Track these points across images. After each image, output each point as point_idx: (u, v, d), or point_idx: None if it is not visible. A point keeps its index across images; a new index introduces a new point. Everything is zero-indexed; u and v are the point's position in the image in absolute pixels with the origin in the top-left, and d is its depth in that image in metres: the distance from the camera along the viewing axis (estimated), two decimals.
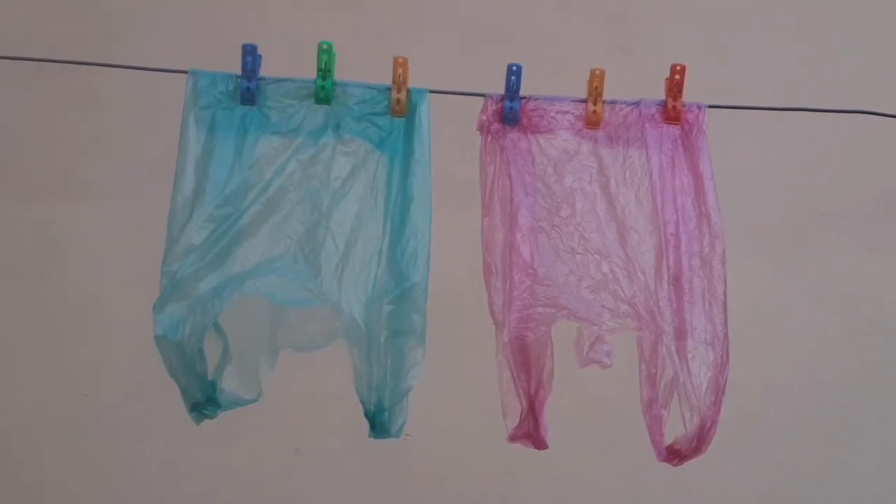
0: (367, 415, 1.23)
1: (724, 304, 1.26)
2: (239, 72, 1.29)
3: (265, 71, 1.30)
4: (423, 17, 1.48)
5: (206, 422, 1.23)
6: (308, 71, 1.30)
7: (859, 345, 2.14)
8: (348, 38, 1.38)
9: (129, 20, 1.66)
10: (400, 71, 1.30)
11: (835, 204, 2.04)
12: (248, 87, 1.29)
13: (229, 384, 1.27)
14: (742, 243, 1.90)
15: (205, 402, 1.25)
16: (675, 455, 1.26)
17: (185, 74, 1.28)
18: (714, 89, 1.34)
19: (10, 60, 1.30)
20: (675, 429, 1.26)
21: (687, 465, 1.25)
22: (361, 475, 1.74)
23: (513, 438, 1.28)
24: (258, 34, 1.32)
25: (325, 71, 1.30)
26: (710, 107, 1.30)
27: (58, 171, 1.77)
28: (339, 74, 1.30)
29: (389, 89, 1.30)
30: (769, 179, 1.92)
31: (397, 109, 1.30)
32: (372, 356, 1.21)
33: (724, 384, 1.25)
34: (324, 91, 1.30)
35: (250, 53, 1.30)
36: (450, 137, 1.37)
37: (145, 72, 1.27)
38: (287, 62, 1.33)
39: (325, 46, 1.30)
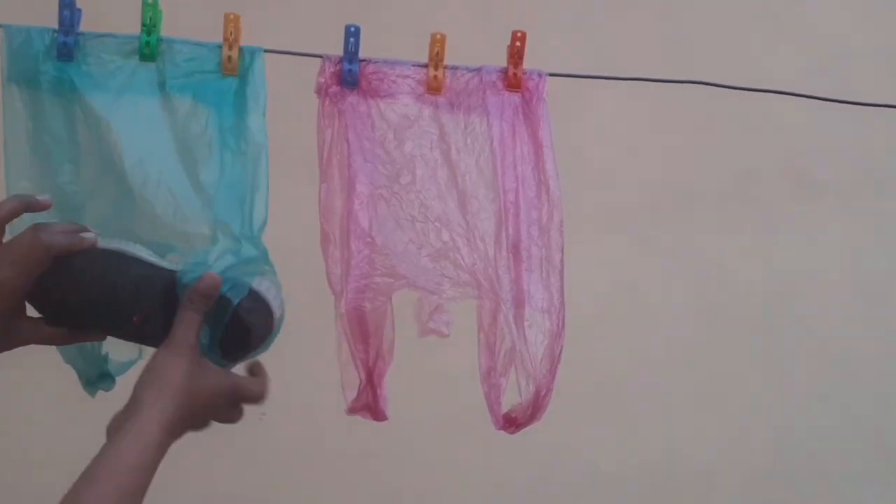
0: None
1: (562, 272, 1.27)
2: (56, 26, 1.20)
3: (85, 26, 1.22)
4: None
5: None
6: (131, 27, 1.22)
7: (712, 319, 2.21)
8: None
9: None
10: (231, 28, 1.24)
11: (691, 182, 2.09)
12: (66, 41, 1.21)
13: (113, 352, 1.22)
14: (601, 221, 1.92)
15: (99, 377, 1.22)
16: (511, 423, 1.27)
17: None
18: (569, 58, 1.33)
19: None
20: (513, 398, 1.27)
21: (538, 434, 1.26)
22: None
23: (351, 410, 1.26)
24: None
25: (149, 26, 1.23)
26: (551, 75, 1.29)
27: None
28: (168, 32, 1.23)
29: (220, 47, 1.24)
30: (628, 156, 1.95)
31: (228, 67, 1.24)
32: None
33: (559, 352, 1.26)
34: (148, 47, 1.22)
35: (68, 6, 1.21)
36: (288, 100, 1.32)
37: None
38: (110, 19, 1.24)
39: (149, 0, 1.22)
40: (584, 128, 1.93)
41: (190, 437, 1.10)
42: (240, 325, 1.12)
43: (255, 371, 1.16)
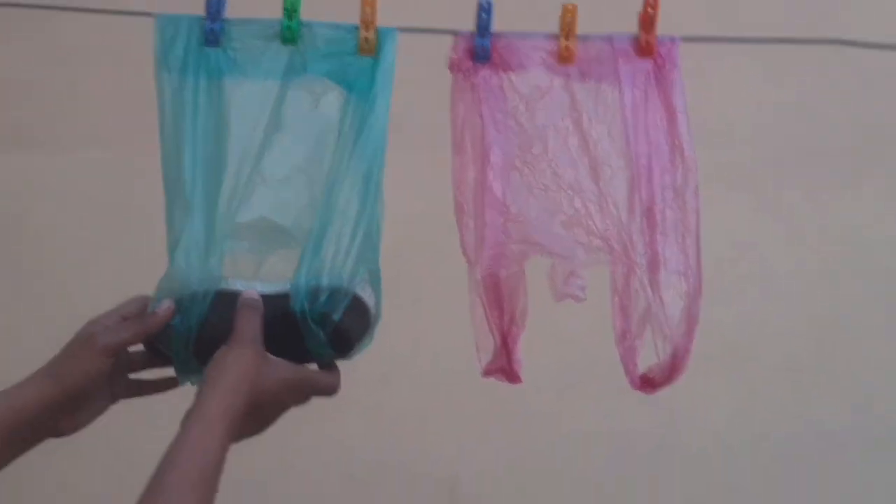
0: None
1: (697, 235, 1.28)
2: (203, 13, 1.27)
3: (231, 12, 1.28)
4: None
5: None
6: (275, 11, 1.28)
7: (838, 282, 2.17)
8: None
9: None
10: (368, 9, 1.28)
11: (817, 141, 2.05)
12: (213, 28, 1.27)
13: None
14: (723, 180, 1.91)
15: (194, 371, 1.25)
16: (648, 383, 1.29)
17: (151, 18, 1.26)
18: (699, 22, 1.33)
19: None
20: (650, 360, 1.29)
21: (663, 397, 1.28)
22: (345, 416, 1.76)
23: (487, 373, 1.31)
24: None
25: (290, 10, 1.28)
26: (685, 39, 1.30)
27: (30, 123, 1.73)
28: (307, 14, 1.29)
29: (357, 28, 1.28)
30: (752, 115, 1.92)
31: (365, 48, 1.28)
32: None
33: (697, 314, 1.28)
34: (290, 31, 1.28)
35: None
36: (422, 77, 1.36)
37: (116, 19, 1.24)
38: (254, 3, 1.30)
39: None
40: (710, 88, 1.91)
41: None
42: (342, 332, 1.20)
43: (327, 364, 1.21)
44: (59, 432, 1.18)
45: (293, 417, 1.20)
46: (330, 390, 1.18)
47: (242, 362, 1.12)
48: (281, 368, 1.15)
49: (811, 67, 1.85)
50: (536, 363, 1.34)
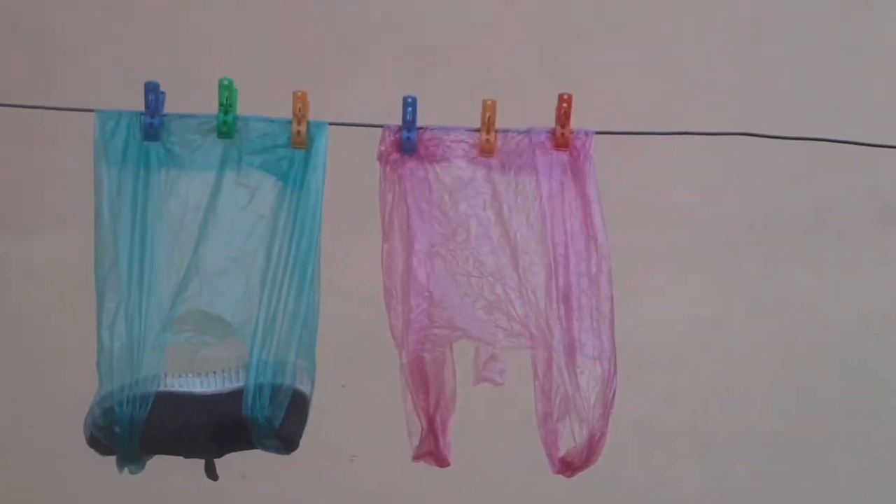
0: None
1: (611, 320, 1.33)
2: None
3: (169, 108, 1.35)
4: (326, 53, 1.53)
5: None
6: (211, 108, 1.35)
7: (794, 355, 2.18)
8: (250, 74, 1.43)
9: (74, 56, 1.68)
10: (300, 105, 1.35)
11: (766, 218, 2.08)
12: (151, 123, 1.34)
13: None
14: (680, 258, 1.95)
15: (133, 461, 1.31)
16: (567, 466, 1.33)
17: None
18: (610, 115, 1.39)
19: None
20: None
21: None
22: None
23: (416, 457, 1.35)
24: (160, 72, 1.37)
25: (226, 106, 1.35)
26: (598, 133, 1.36)
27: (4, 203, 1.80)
28: (242, 110, 1.35)
29: (290, 122, 1.35)
30: (703, 198, 1.97)
31: (297, 141, 1.35)
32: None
33: (612, 397, 1.31)
34: (226, 125, 1.35)
35: (153, 91, 1.35)
36: (355, 167, 1.42)
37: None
38: (191, 99, 1.37)
39: (225, 82, 1.35)
40: (660, 171, 1.97)
41: (283, 477, 1.20)
42: (285, 435, 1.29)
43: None
44: None
45: None
46: None
47: None
48: None
49: (742, 156, 1.90)
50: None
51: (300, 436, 1.29)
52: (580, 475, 1.35)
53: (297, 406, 1.29)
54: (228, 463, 1.31)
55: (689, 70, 1.65)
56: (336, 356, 1.39)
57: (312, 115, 1.36)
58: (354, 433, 1.49)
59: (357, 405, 1.46)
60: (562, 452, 1.33)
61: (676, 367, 2.13)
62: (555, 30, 1.50)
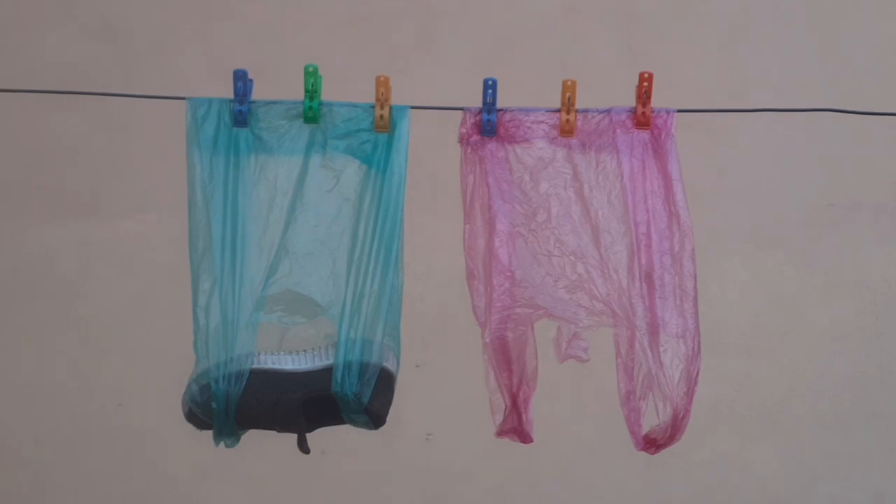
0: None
1: (695, 298, 1.33)
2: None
3: (257, 95, 1.39)
4: (406, 38, 1.55)
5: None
6: (298, 94, 1.38)
7: (873, 335, 2.15)
8: (335, 60, 1.46)
9: (162, 47, 1.73)
10: (382, 89, 1.38)
11: (846, 196, 2.04)
12: (241, 110, 1.38)
13: None
14: (757, 237, 1.93)
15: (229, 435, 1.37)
16: (651, 444, 1.33)
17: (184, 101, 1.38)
18: (689, 94, 1.39)
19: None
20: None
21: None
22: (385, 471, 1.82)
23: (499, 434, 1.37)
24: (249, 60, 1.40)
25: (311, 92, 1.38)
26: (679, 111, 1.36)
27: (89, 190, 1.86)
28: (327, 95, 1.39)
29: (373, 107, 1.38)
30: (780, 176, 1.94)
31: (381, 125, 1.38)
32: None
33: (696, 375, 1.32)
34: (311, 111, 1.38)
35: (241, 79, 1.38)
36: (440, 149, 1.44)
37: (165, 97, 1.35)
38: (277, 85, 1.41)
39: (310, 69, 1.38)
40: (739, 149, 1.94)
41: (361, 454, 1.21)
42: (374, 411, 1.33)
43: None
44: None
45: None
46: None
47: None
48: None
49: (827, 127, 1.87)
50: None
51: (388, 411, 1.33)
52: (658, 455, 1.36)
53: (384, 383, 1.32)
54: (309, 439, 1.34)
55: (770, 46, 1.63)
56: (410, 336, 1.41)
57: (394, 100, 1.38)
58: (430, 412, 1.51)
59: (432, 385, 1.49)
60: (644, 430, 1.34)
61: (753, 347, 2.11)
62: (633, 8, 1.50)
